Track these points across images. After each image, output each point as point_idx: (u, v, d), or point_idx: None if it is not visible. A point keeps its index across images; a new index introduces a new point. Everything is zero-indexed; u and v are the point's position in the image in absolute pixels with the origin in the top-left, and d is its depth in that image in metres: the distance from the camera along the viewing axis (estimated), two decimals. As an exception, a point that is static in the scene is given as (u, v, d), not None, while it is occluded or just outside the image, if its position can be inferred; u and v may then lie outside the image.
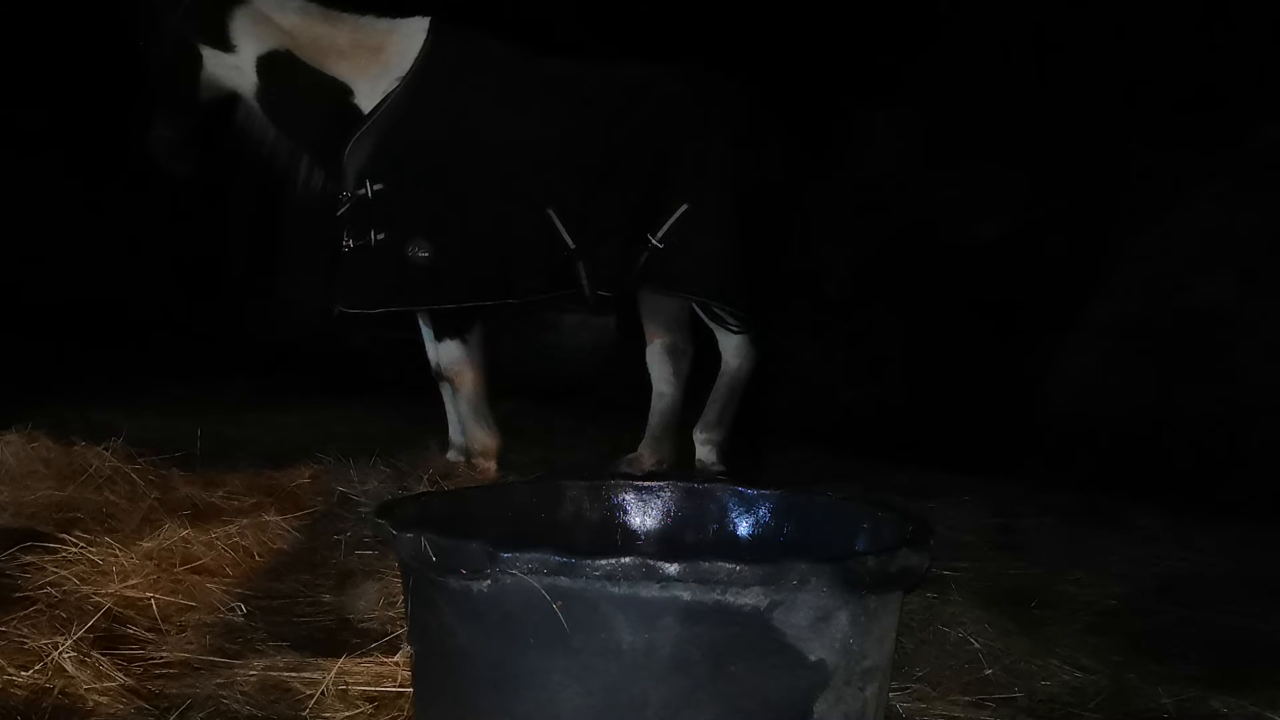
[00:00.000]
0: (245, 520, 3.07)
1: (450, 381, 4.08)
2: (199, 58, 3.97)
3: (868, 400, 6.05)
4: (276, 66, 3.95)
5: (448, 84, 3.93)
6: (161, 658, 2.21)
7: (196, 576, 2.68)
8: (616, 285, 3.93)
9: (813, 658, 1.42)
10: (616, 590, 1.37)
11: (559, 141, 3.91)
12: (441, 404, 4.26)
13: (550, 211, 3.85)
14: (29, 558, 2.64)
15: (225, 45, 3.96)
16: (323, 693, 2.00)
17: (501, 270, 3.87)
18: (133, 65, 4.05)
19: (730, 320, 4.07)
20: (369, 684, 2.05)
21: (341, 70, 3.95)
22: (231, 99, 4.10)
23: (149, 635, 2.33)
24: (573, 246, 3.86)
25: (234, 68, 3.98)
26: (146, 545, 2.76)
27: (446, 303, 3.90)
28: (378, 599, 2.58)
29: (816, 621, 1.41)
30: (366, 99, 3.93)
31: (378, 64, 3.95)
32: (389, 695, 2.01)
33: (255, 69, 3.96)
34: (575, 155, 3.90)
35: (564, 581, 1.37)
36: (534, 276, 3.90)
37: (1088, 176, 5.81)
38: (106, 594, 2.48)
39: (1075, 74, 5.98)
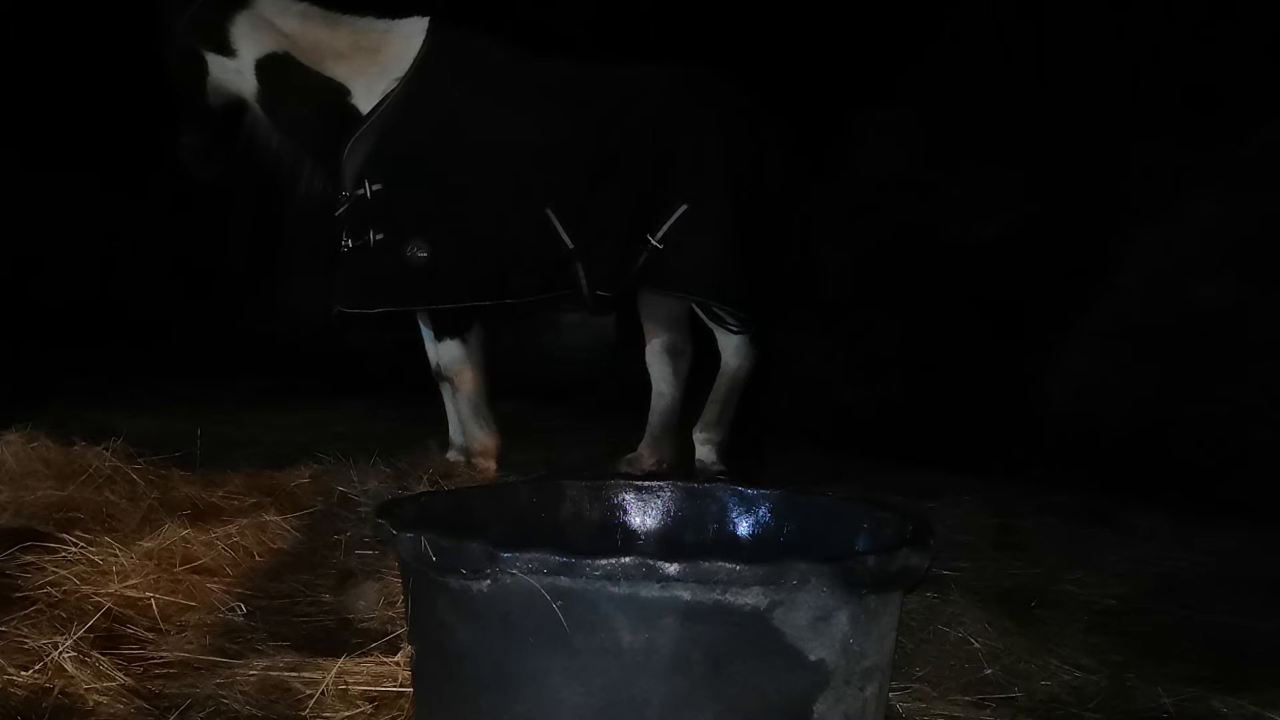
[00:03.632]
0: (245, 520, 3.07)
1: (450, 381, 4.08)
2: (204, 63, 4.00)
3: (868, 400, 6.04)
4: (275, 69, 3.97)
5: (445, 84, 3.93)
6: (161, 658, 2.21)
7: (196, 576, 2.68)
8: (615, 285, 3.93)
9: (813, 657, 1.42)
10: (616, 590, 1.37)
11: (557, 141, 3.91)
12: (441, 404, 4.26)
13: (548, 211, 3.85)
14: (29, 558, 2.64)
15: (226, 50, 3.98)
16: (323, 693, 2.00)
17: (500, 270, 3.87)
18: (136, 69, 4.08)
19: (729, 320, 4.07)
20: (369, 684, 2.05)
21: (340, 71, 3.96)
22: (243, 103, 4.12)
23: (149, 635, 2.33)
24: (571, 246, 3.86)
25: (235, 72, 4.00)
26: (146, 545, 2.76)
27: (445, 303, 3.90)
28: (378, 599, 2.58)
29: (816, 621, 1.41)
30: (364, 100, 3.94)
31: (375, 65, 3.96)
32: (389, 695, 2.01)
33: (254, 72, 3.98)
34: (574, 155, 3.90)
35: (564, 581, 1.38)
36: (532, 276, 3.90)
37: (1088, 176, 5.80)
38: (106, 594, 2.48)
39: (1075, 74, 5.98)
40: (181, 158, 4.10)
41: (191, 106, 4.07)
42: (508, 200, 3.87)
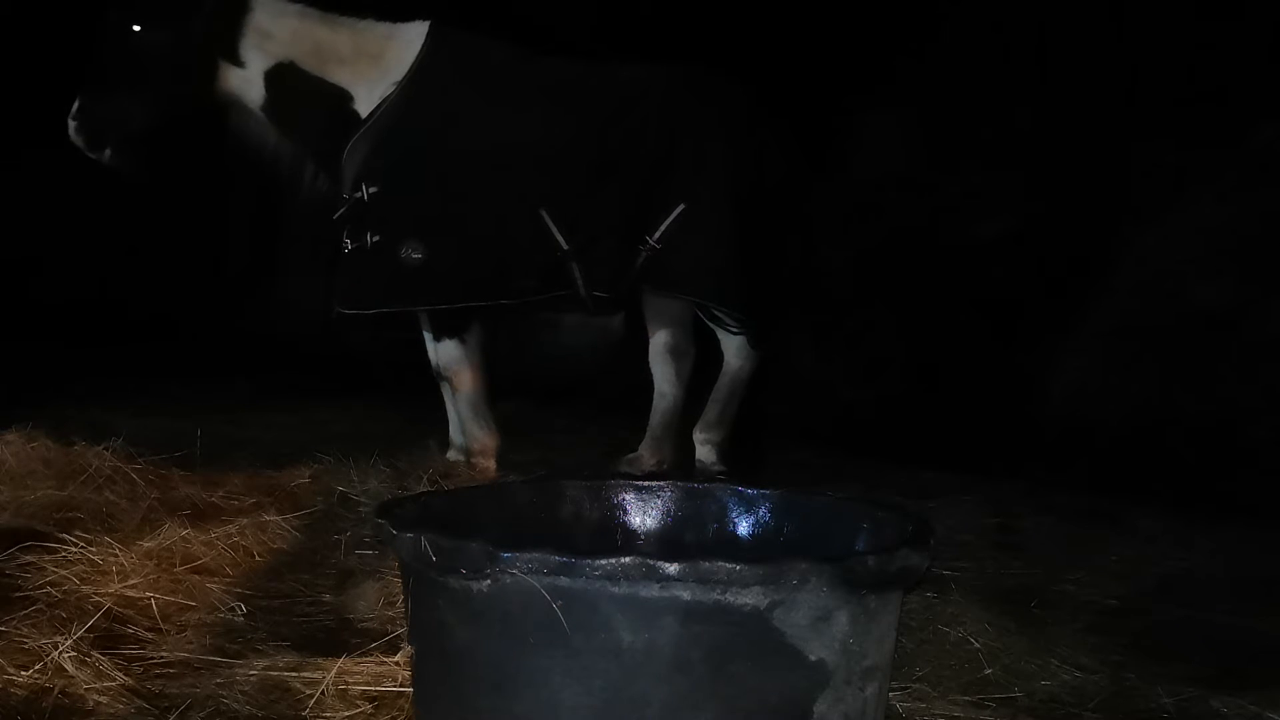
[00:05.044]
0: (245, 520, 3.07)
1: (449, 381, 4.08)
2: (217, 70, 3.94)
3: (868, 400, 6.04)
4: (282, 78, 3.93)
5: (443, 87, 3.93)
6: (161, 658, 2.21)
7: (196, 576, 2.68)
8: (613, 286, 3.93)
9: (813, 657, 1.42)
10: (616, 590, 1.37)
11: (555, 142, 3.90)
12: (441, 404, 4.26)
13: (543, 212, 3.85)
14: (29, 558, 2.64)
15: (237, 60, 3.94)
16: (323, 693, 2.00)
17: (496, 271, 3.87)
18: (128, 57, 3.95)
19: (729, 322, 4.07)
20: (369, 684, 2.05)
21: (342, 77, 3.95)
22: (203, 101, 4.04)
23: (149, 635, 2.33)
24: (566, 247, 3.86)
25: (244, 81, 3.95)
26: (146, 545, 2.76)
27: (441, 303, 3.90)
28: (378, 599, 2.58)
29: (816, 621, 1.41)
30: (365, 103, 3.93)
31: (377, 69, 3.95)
32: (389, 695, 2.01)
33: (264, 82, 3.94)
34: (571, 156, 3.90)
35: (564, 581, 1.38)
36: (528, 277, 3.90)
37: (1088, 176, 5.81)
38: (106, 594, 2.48)
39: (1075, 74, 5.98)
40: (80, 129, 3.83)
41: (178, 101, 3.97)
42: (504, 201, 3.87)
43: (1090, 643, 2.50)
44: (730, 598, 1.37)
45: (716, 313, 4.05)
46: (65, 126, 3.87)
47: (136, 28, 3.86)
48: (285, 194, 4.30)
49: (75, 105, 3.84)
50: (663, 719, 1.39)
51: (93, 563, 2.62)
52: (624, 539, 1.92)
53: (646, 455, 4.15)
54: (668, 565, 1.35)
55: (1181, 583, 3.14)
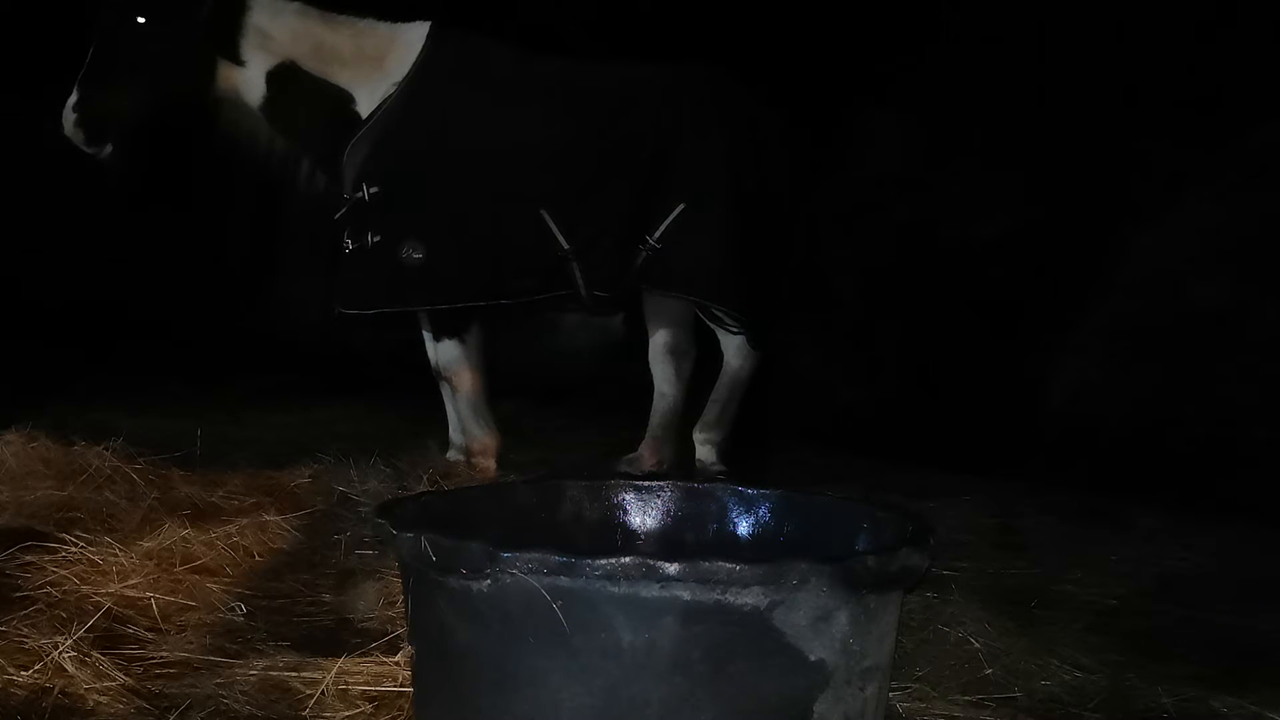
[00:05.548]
0: (245, 520, 3.07)
1: (449, 381, 4.08)
2: (217, 66, 3.92)
3: (868, 400, 6.05)
4: (283, 79, 3.92)
5: (443, 87, 3.93)
6: (161, 658, 2.21)
7: (196, 576, 2.69)
8: (613, 286, 3.93)
9: (813, 657, 1.42)
10: (616, 590, 1.37)
11: (554, 142, 3.91)
12: (441, 404, 4.26)
13: (543, 212, 3.85)
14: (29, 558, 2.65)
15: (237, 59, 3.92)
16: (323, 693, 2.00)
17: (495, 271, 3.87)
18: (129, 49, 3.89)
19: (728, 322, 4.07)
20: (369, 684, 2.05)
21: (344, 78, 3.94)
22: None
23: (149, 635, 2.33)
24: (566, 247, 3.86)
25: (244, 80, 3.93)
26: (146, 545, 2.76)
27: (440, 304, 3.91)
28: (378, 599, 2.58)
29: (816, 621, 1.41)
30: (366, 104, 3.94)
31: (379, 70, 3.95)
32: (389, 695, 2.01)
33: (265, 82, 3.93)
34: (570, 156, 3.90)
35: (564, 581, 1.38)
36: (528, 277, 3.91)
37: (1088, 176, 5.80)
38: (106, 594, 2.49)
39: (1075, 74, 5.98)
40: (79, 122, 3.73)
41: (160, 92, 3.88)
42: (503, 201, 3.87)
43: (1090, 643, 2.50)
44: (730, 598, 1.37)
45: (716, 312, 4.05)
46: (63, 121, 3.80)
47: (141, 20, 3.80)
48: (285, 193, 4.30)
49: (73, 98, 3.76)
50: (662, 719, 1.39)
51: (93, 563, 2.62)
52: (624, 539, 1.92)
53: (646, 455, 4.14)
54: (668, 565, 1.35)
55: (1181, 583, 3.14)
